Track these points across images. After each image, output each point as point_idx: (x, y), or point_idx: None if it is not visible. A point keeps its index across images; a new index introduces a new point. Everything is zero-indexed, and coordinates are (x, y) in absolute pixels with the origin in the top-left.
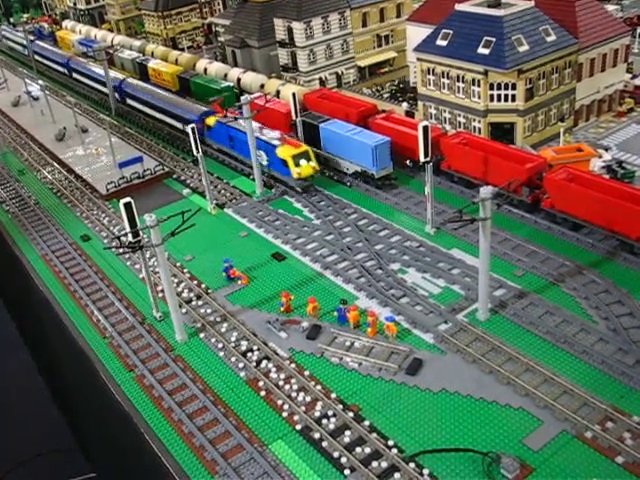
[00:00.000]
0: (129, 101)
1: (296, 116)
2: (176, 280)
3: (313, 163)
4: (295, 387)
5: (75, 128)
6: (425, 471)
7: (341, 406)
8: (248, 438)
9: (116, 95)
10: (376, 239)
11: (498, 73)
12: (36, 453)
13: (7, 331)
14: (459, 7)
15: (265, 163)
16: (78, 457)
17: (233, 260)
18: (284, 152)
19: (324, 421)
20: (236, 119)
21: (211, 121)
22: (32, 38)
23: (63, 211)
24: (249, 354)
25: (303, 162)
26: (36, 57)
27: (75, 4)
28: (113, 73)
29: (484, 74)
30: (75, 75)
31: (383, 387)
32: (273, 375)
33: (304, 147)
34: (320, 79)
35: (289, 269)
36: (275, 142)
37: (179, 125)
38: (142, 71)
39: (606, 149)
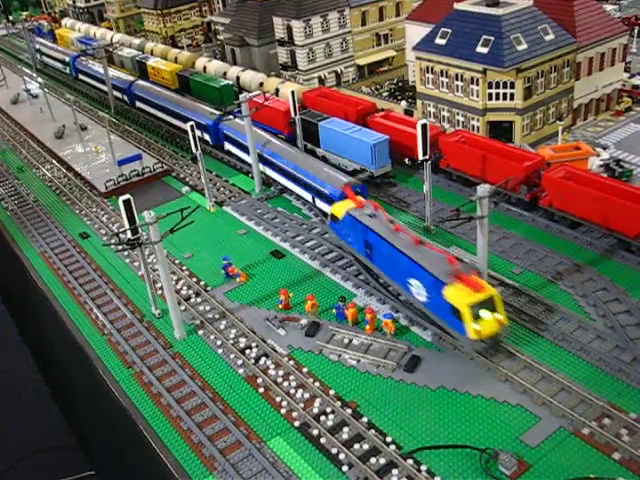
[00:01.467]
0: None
1: (295, 114)
2: (175, 277)
3: (500, 315)
4: (294, 384)
5: (74, 126)
6: (423, 467)
7: (339, 403)
8: (247, 434)
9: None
10: None
11: (497, 72)
12: (35, 450)
13: (6, 328)
14: (458, 6)
15: (421, 298)
16: (77, 454)
17: (232, 258)
18: (457, 297)
19: (322, 418)
20: (235, 117)
21: (339, 211)
22: (77, 54)
23: (62, 209)
24: (248, 351)
25: (485, 314)
26: (81, 77)
27: (74, 2)
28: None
29: (483, 73)
30: (139, 104)
31: (381, 384)
32: (272, 372)
33: (489, 290)
34: (319, 78)
35: (288, 267)
36: (443, 277)
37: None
38: (141, 69)
39: (604, 148)
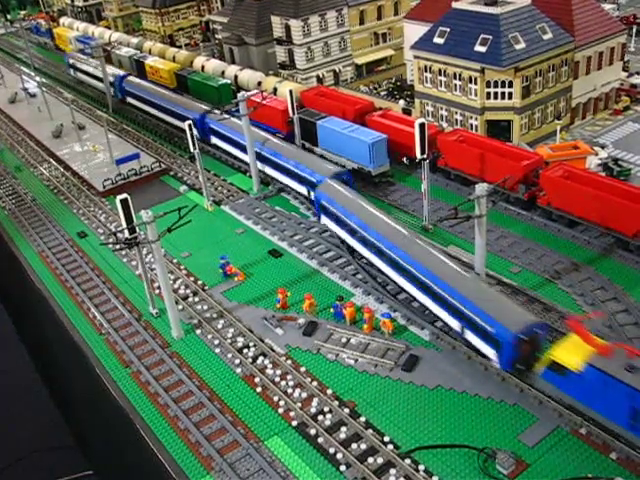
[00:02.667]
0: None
1: (293, 113)
2: (173, 277)
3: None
4: (291, 383)
5: (72, 125)
6: (421, 467)
7: (337, 402)
8: (244, 434)
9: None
10: None
11: (495, 71)
12: (33, 450)
13: (4, 328)
14: (456, 5)
15: None
16: (75, 454)
17: (230, 257)
18: None
19: (320, 417)
20: (233, 115)
21: (568, 357)
22: (124, 73)
23: (60, 208)
24: (245, 350)
25: None
26: (130, 101)
27: (73, 1)
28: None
29: (481, 72)
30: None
31: (379, 383)
32: (269, 371)
33: None
34: (317, 77)
35: (285, 266)
36: None
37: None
38: (139, 68)
39: (602, 147)
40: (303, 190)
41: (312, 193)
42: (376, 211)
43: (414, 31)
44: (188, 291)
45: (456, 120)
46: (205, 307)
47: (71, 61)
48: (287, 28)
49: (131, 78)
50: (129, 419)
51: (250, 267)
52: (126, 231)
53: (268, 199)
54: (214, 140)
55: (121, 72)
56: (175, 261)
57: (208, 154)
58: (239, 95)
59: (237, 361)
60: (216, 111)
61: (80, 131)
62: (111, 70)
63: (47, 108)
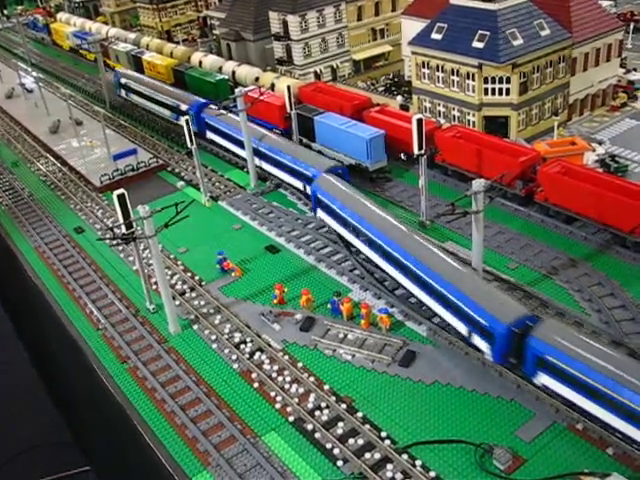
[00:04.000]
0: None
1: (291, 109)
2: (170, 272)
3: None
4: (288, 379)
5: (69, 120)
6: (418, 462)
7: (334, 398)
8: (241, 429)
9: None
10: None
11: (492, 67)
12: (30, 446)
13: (1, 324)
14: (454, 1)
15: None
16: (72, 450)
17: (227, 252)
18: None
19: (317, 413)
20: (231, 111)
21: None
22: (202, 101)
23: (57, 203)
24: (242, 346)
25: None
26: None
27: None
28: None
29: (478, 68)
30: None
31: (376, 379)
32: (266, 367)
33: None
34: (315, 72)
35: (283, 261)
36: None
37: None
38: (137, 64)
39: (600, 143)
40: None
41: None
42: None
43: (412, 27)
44: (185, 287)
45: (454, 116)
46: (202, 303)
47: (123, 80)
48: (285, 24)
49: (213, 109)
50: (126, 415)
51: (247, 263)
52: (123, 226)
53: (265, 195)
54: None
55: (197, 98)
56: (172, 257)
57: (205, 150)
58: (236, 91)
59: (234, 357)
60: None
61: (77, 126)
62: (183, 94)
63: (44, 103)
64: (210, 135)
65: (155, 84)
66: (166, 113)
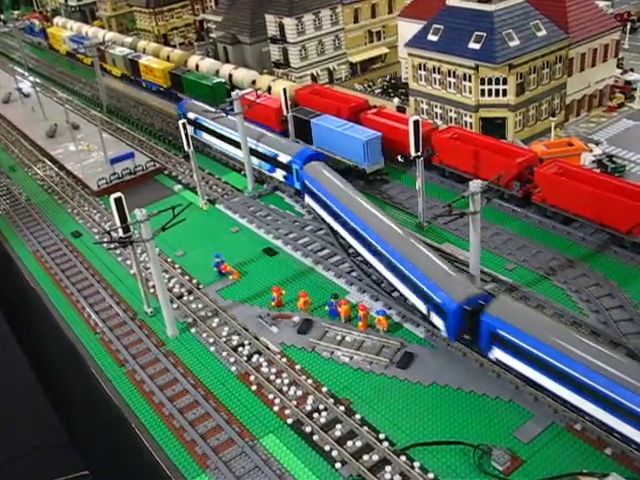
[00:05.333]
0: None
1: (287, 112)
2: (167, 275)
3: None
4: (286, 381)
5: (66, 125)
6: (416, 464)
7: (332, 400)
8: (239, 432)
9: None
10: None
11: (489, 68)
12: (28, 449)
13: None
14: (450, 2)
15: None
16: (70, 454)
17: (224, 255)
18: None
19: (315, 415)
20: (227, 114)
21: None
22: (309, 151)
23: (54, 207)
24: (240, 349)
25: None
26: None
27: (66, 0)
28: None
29: (475, 69)
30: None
31: (374, 381)
32: (264, 369)
33: None
34: (312, 75)
35: (280, 264)
36: None
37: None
38: (133, 68)
39: (597, 143)
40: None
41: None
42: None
43: (408, 29)
44: (183, 290)
45: (450, 117)
46: (200, 306)
47: (192, 115)
48: (281, 27)
49: (319, 165)
50: (124, 418)
51: (245, 265)
52: (120, 230)
53: (263, 197)
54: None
55: (303, 147)
56: (170, 260)
57: (202, 153)
58: (233, 94)
59: (232, 359)
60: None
61: (74, 131)
62: (281, 140)
63: (41, 108)
64: (310, 202)
65: (222, 117)
66: (254, 161)
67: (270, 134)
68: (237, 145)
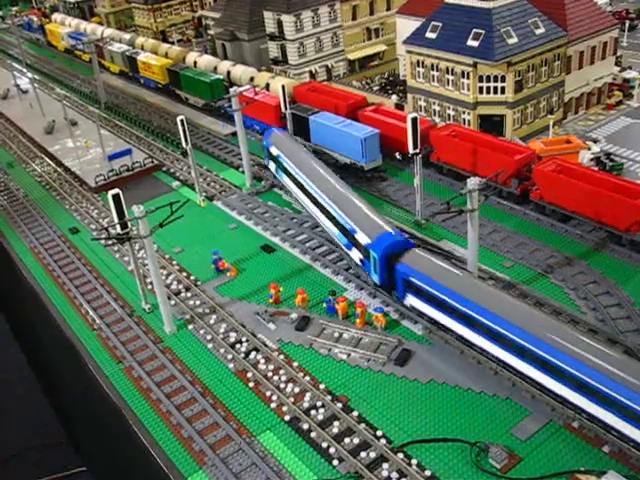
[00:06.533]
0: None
1: (286, 108)
2: (165, 272)
3: None
4: (284, 378)
5: (64, 121)
6: (414, 461)
7: (330, 397)
8: (236, 429)
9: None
10: None
11: (487, 65)
12: (26, 447)
13: None
14: None
15: None
16: (68, 451)
17: (222, 252)
18: None
19: (313, 412)
20: (226, 111)
21: None
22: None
23: (52, 204)
24: (238, 345)
25: None
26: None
27: None
28: None
29: (473, 66)
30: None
31: (372, 378)
32: (262, 366)
33: None
34: (310, 72)
35: (278, 261)
36: None
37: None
38: (132, 64)
39: (595, 141)
40: None
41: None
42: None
43: (406, 26)
44: (180, 286)
45: (449, 115)
46: (197, 302)
47: (275, 150)
48: (279, 23)
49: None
50: (121, 414)
51: (242, 262)
52: (118, 226)
53: (260, 194)
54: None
55: (390, 229)
56: (167, 256)
57: (200, 150)
58: (231, 91)
59: (230, 356)
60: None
61: (72, 127)
62: (367, 215)
63: (39, 104)
64: (414, 302)
65: (324, 178)
66: (333, 230)
67: (355, 197)
68: (335, 222)
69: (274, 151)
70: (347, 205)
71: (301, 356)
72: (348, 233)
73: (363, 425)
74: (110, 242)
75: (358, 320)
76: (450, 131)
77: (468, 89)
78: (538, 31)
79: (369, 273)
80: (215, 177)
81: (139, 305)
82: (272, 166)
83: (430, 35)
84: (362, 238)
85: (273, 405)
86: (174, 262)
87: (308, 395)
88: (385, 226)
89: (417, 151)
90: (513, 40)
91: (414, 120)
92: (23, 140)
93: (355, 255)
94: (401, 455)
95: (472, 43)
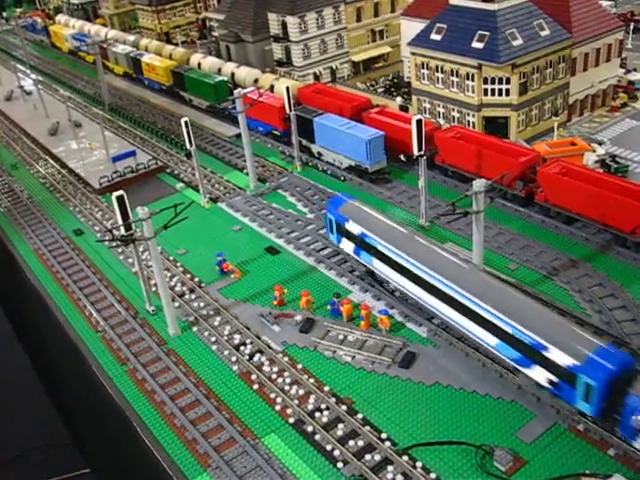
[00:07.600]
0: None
1: (290, 110)
2: (169, 274)
3: None
4: (288, 380)
5: (68, 122)
6: (418, 464)
7: (334, 399)
8: (241, 431)
9: None
10: None
11: (492, 67)
12: (29, 448)
13: (0, 325)
14: (453, 1)
15: None
16: (72, 452)
17: (226, 254)
18: None
19: (317, 414)
20: (230, 113)
21: None
22: None
23: (56, 205)
24: (242, 347)
25: None
26: None
27: None
28: None
29: (478, 68)
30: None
31: (376, 380)
32: (266, 368)
33: None
34: (314, 74)
35: (282, 263)
36: None
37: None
38: (136, 66)
39: (600, 143)
40: None
41: None
42: None
43: (411, 28)
44: (184, 288)
45: (453, 117)
46: (202, 304)
47: (355, 228)
48: (284, 25)
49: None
50: (125, 417)
51: (247, 264)
52: (122, 228)
53: (265, 196)
54: None
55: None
56: (171, 258)
57: (205, 152)
58: (235, 92)
59: (234, 358)
60: None
61: (76, 129)
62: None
63: (43, 106)
64: None
65: (458, 266)
66: (487, 339)
67: (519, 294)
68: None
69: (353, 228)
70: (515, 307)
71: (305, 358)
72: (527, 348)
73: (368, 427)
74: (114, 244)
75: (363, 322)
76: (455, 133)
77: (473, 91)
78: (543, 33)
79: (571, 401)
80: (219, 179)
81: (143, 307)
82: (347, 245)
83: (435, 37)
84: (560, 357)
85: (277, 407)
86: (178, 264)
87: (312, 397)
88: (593, 339)
89: (422, 153)
90: (518, 42)
91: (419, 122)
92: (27, 142)
93: (538, 375)
94: (406, 458)
95: (477, 45)
